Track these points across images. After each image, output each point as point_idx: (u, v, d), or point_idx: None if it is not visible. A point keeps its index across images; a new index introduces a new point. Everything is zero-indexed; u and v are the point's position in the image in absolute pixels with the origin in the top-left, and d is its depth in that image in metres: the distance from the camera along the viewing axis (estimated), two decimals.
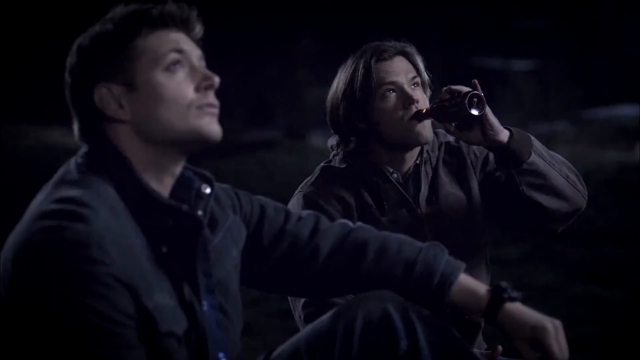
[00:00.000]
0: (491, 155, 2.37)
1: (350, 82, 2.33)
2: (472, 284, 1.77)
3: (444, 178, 2.37)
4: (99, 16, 1.61)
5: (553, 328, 1.70)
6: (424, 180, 2.34)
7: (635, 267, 6.25)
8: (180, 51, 1.59)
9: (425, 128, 2.29)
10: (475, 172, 2.39)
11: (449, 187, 2.36)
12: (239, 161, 12.39)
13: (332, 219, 2.22)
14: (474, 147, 2.39)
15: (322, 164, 2.39)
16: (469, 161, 2.39)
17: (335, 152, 2.40)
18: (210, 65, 1.64)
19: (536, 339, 1.69)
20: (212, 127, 1.58)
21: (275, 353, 1.74)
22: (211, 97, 1.59)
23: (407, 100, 2.29)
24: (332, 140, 2.41)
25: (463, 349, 1.71)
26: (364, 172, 2.32)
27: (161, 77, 1.57)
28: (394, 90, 2.30)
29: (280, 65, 16.57)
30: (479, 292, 1.76)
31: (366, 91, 2.31)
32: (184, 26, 1.61)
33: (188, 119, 1.57)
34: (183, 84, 1.58)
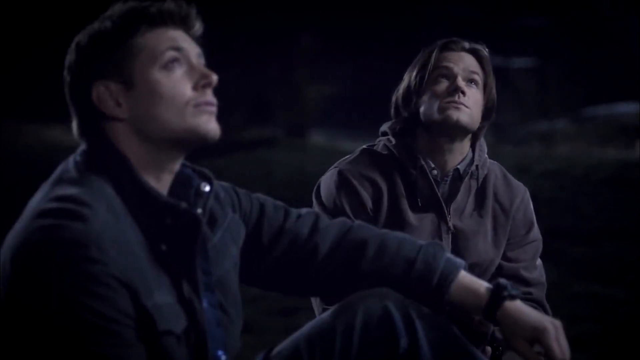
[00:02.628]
0: (532, 234, 2.37)
1: (412, 67, 2.35)
2: (471, 282, 1.77)
3: (485, 206, 2.33)
4: (99, 15, 1.61)
5: (553, 328, 1.69)
6: (464, 191, 2.32)
7: (635, 265, 6.26)
8: (178, 49, 1.58)
9: (461, 112, 2.26)
10: (508, 228, 2.35)
11: (484, 218, 2.33)
12: (239, 159, 12.39)
13: (360, 199, 2.23)
14: (523, 209, 2.37)
15: (363, 146, 2.39)
16: (511, 215, 2.35)
17: (385, 138, 2.37)
18: (210, 63, 1.63)
19: (536, 339, 1.69)
20: (209, 125, 1.58)
21: (275, 350, 1.75)
22: (209, 95, 1.59)
23: (452, 86, 2.27)
24: (384, 127, 2.40)
25: (463, 347, 1.71)
26: (404, 162, 2.31)
27: (159, 75, 1.57)
28: (446, 77, 2.29)
29: (280, 64, 16.57)
30: (478, 290, 1.76)
31: (422, 73, 2.31)
32: (183, 24, 1.61)
33: (185, 117, 1.57)
34: (181, 82, 1.57)
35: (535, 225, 2.40)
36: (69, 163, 1.58)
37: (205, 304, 1.60)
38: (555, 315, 1.74)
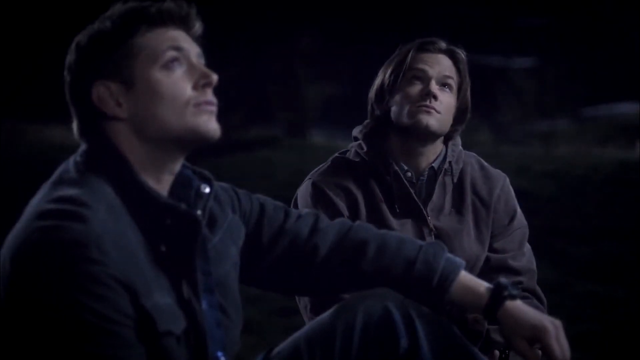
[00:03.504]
0: (516, 222, 2.36)
1: (388, 65, 2.34)
2: (472, 281, 1.77)
3: (465, 202, 2.32)
4: (99, 14, 1.61)
5: (553, 328, 1.69)
6: (440, 190, 2.31)
7: (635, 265, 6.26)
8: (178, 49, 1.58)
9: (431, 117, 2.24)
10: (490, 220, 2.34)
11: (465, 215, 2.32)
12: (239, 159, 12.39)
13: (337, 209, 2.22)
14: (504, 198, 2.36)
15: (335, 154, 2.38)
16: (492, 207, 2.34)
17: (356, 143, 2.36)
18: (210, 62, 1.63)
19: (536, 338, 1.69)
20: (209, 125, 1.58)
21: (275, 350, 1.75)
22: (209, 95, 1.59)
23: (424, 90, 2.26)
24: (355, 131, 2.39)
25: (463, 346, 1.70)
26: (377, 168, 2.30)
27: (159, 74, 1.56)
28: (420, 80, 2.28)
29: (280, 63, 16.58)
30: (478, 290, 1.75)
31: (397, 72, 2.30)
32: (183, 24, 1.61)
33: (185, 117, 1.56)
34: (181, 82, 1.57)
35: (519, 212, 2.38)
36: (69, 164, 1.58)
37: (204, 305, 1.60)
38: (555, 315, 1.74)
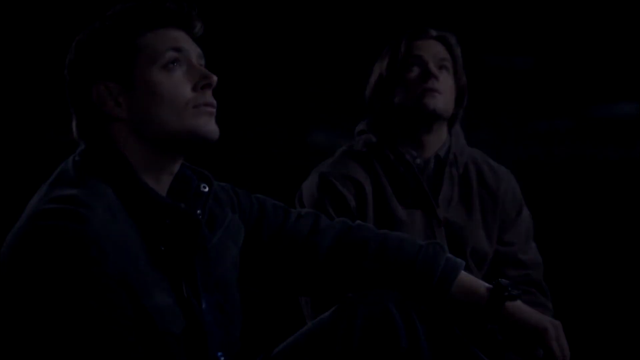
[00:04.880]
0: (523, 215, 2.38)
1: (382, 58, 2.36)
2: (472, 282, 1.77)
3: (472, 194, 2.34)
4: (99, 14, 1.61)
5: (553, 328, 1.69)
6: (448, 181, 2.32)
7: (636, 264, 6.25)
8: (178, 49, 1.58)
9: (436, 100, 2.27)
10: (498, 212, 2.36)
11: (473, 206, 2.34)
12: (239, 159, 12.38)
13: (344, 200, 2.23)
14: (511, 191, 2.39)
15: (343, 147, 2.39)
16: (500, 199, 2.36)
17: (364, 136, 2.37)
18: (210, 62, 1.63)
19: (536, 339, 1.69)
20: (209, 126, 1.58)
21: (275, 350, 1.74)
22: (209, 97, 1.59)
23: (425, 73, 2.28)
24: (360, 126, 2.40)
25: (463, 347, 1.70)
26: (387, 157, 2.30)
27: (158, 75, 1.56)
28: (418, 65, 2.30)
29: (280, 62, 16.57)
30: (478, 290, 1.76)
31: (394, 63, 2.32)
32: (184, 24, 1.61)
33: (184, 118, 1.56)
34: (180, 83, 1.57)
35: (525, 205, 2.41)
36: (68, 163, 1.58)
37: (204, 305, 1.60)
38: (554, 315, 1.74)
